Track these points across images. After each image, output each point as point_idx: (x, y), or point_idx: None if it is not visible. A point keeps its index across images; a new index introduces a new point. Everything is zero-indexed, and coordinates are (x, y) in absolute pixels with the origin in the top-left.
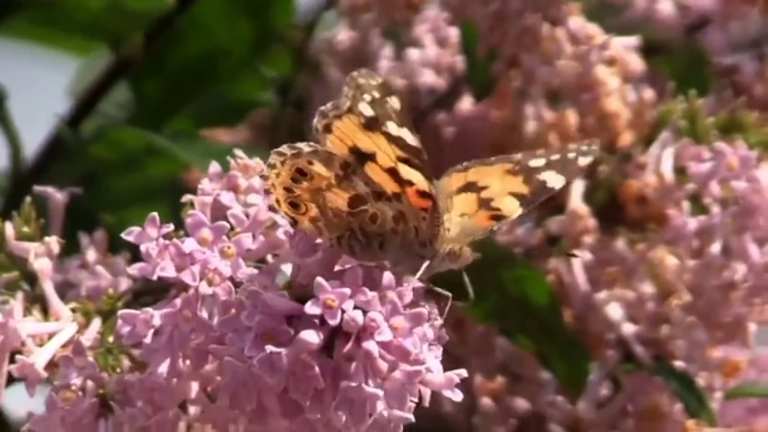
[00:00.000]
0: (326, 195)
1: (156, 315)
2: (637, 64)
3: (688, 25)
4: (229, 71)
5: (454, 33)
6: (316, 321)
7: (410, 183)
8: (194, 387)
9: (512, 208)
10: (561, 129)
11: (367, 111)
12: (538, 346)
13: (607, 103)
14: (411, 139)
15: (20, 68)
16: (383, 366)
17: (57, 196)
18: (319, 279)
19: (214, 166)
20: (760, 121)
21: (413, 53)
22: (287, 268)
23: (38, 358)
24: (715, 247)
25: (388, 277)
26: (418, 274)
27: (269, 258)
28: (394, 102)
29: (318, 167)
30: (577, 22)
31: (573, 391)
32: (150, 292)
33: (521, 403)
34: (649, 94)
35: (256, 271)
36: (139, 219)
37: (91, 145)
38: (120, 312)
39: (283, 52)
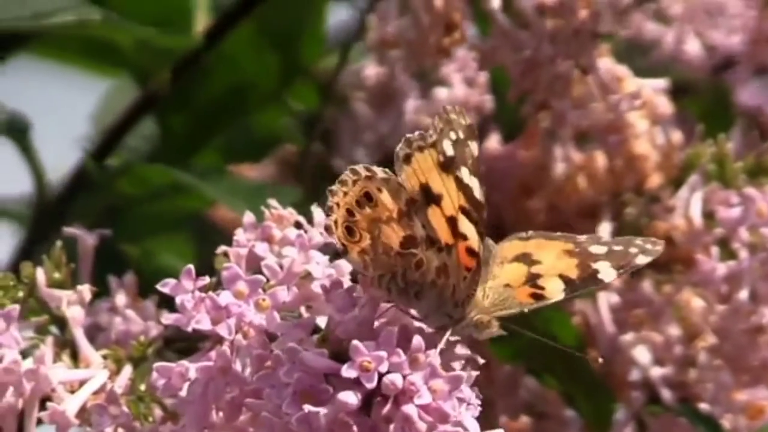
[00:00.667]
0: (383, 228)
1: (191, 368)
2: (665, 106)
3: (715, 65)
4: (256, 105)
5: (482, 73)
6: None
7: (464, 237)
8: None
9: (555, 292)
10: (589, 171)
11: (449, 150)
12: (564, 386)
13: (636, 145)
14: (478, 191)
15: (46, 89)
16: (422, 428)
17: (87, 239)
18: (355, 342)
19: (249, 217)
20: None
21: (441, 92)
22: (321, 320)
23: (69, 406)
24: (744, 293)
25: (421, 338)
26: (446, 336)
27: (302, 309)
28: (474, 148)
29: (385, 196)
30: (606, 63)
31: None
32: (181, 338)
33: None
34: (677, 136)
35: (291, 324)
36: (163, 253)
37: (117, 180)
38: (155, 365)
39: (310, 86)
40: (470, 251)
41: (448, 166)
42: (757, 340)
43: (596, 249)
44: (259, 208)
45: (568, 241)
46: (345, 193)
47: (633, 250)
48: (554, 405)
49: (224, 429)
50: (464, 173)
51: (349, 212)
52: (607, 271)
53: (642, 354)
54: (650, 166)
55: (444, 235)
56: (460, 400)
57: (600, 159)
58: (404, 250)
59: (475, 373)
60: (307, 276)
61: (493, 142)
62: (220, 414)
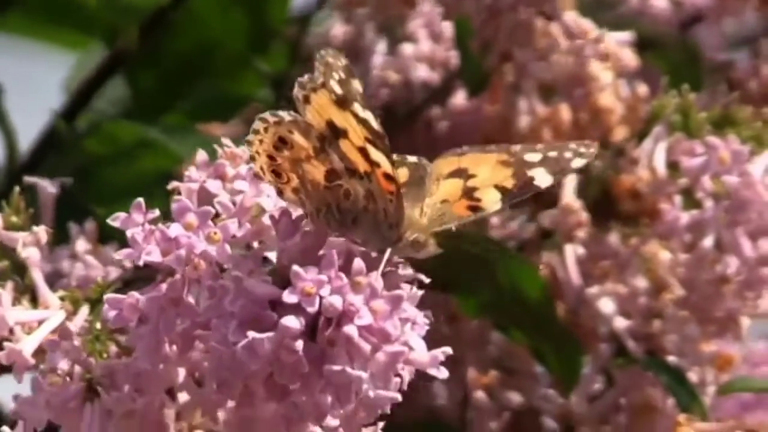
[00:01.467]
0: (305, 166)
1: (142, 299)
2: (630, 59)
3: (682, 20)
4: (225, 65)
5: (448, 28)
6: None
7: (378, 165)
8: (181, 372)
9: (492, 202)
10: (554, 124)
11: (337, 89)
12: (531, 340)
13: (601, 98)
14: (375, 123)
15: (16, 63)
16: (366, 348)
17: (47, 187)
18: (296, 267)
19: (201, 155)
20: (753, 116)
21: (407, 48)
22: (273, 255)
23: (26, 345)
24: (708, 242)
25: (363, 259)
26: (385, 257)
27: (255, 245)
28: (357, 85)
29: (297, 137)
30: (570, 16)
31: (566, 385)
32: (140, 280)
33: (515, 397)
34: (642, 89)
35: (241, 256)
36: None
37: (86, 139)
38: (106, 296)
39: (278, 47)
40: (387, 176)
41: (341, 103)
42: (722, 289)
43: (531, 157)
44: None
45: (502, 152)
46: (261, 141)
47: (568, 154)
48: (522, 360)
49: (178, 363)
50: (358, 108)
51: (270, 158)
52: (543, 177)
53: (607, 306)
54: (615, 118)
55: (360, 164)
56: (404, 320)
57: (565, 112)
58: (330, 183)
59: (418, 293)
60: (260, 213)
61: (459, 97)
62: (173, 347)
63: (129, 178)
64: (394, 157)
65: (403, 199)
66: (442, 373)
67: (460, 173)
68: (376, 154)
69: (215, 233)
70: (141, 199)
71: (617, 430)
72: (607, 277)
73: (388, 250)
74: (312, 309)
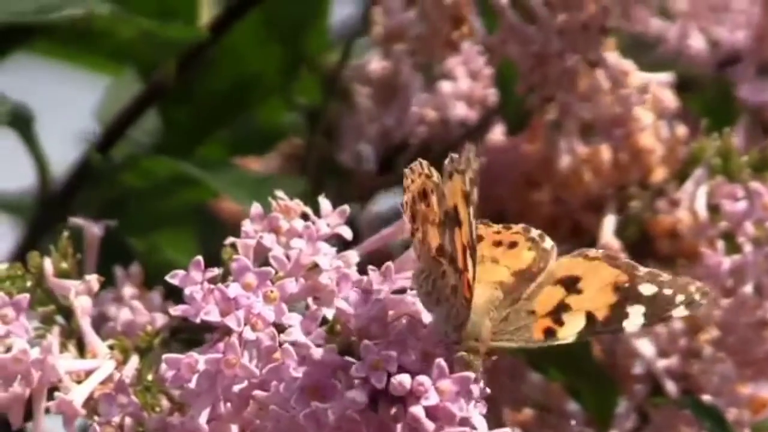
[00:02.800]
0: (429, 229)
1: (200, 360)
2: (670, 100)
3: (719, 61)
4: (260, 98)
5: (487, 65)
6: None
7: (467, 270)
8: (234, 430)
9: (570, 333)
10: (594, 164)
11: (468, 186)
12: (567, 378)
13: (641, 138)
14: (475, 234)
15: (47, 87)
16: (430, 429)
17: (93, 228)
18: (366, 342)
19: (256, 208)
20: None
21: (446, 85)
22: (328, 312)
23: (77, 395)
24: (748, 287)
25: (435, 334)
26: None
27: (310, 301)
28: (476, 194)
29: (434, 199)
30: (614, 60)
31: (601, 424)
32: (187, 329)
33: None
34: (682, 130)
35: (299, 316)
36: (168, 245)
37: (121, 173)
38: (165, 356)
39: (313, 80)
40: (469, 285)
41: (467, 198)
42: (761, 333)
43: (645, 289)
44: (263, 200)
45: (625, 273)
46: (412, 181)
47: (680, 298)
48: (556, 398)
49: (231, 420)
50: (472, 212)
51: (413, 200)
52: (635, 320)
53: (646, 346)
54: (655, 159)
55: (460, 259)
56: (469, 399)
57: (605, 152)
58: (437, 256)
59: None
60: (314, 267)
61: (497, 134)
62: (228, 405)
63: (164, 211)
64: (532, 232)
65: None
66: None
67: (569, 283)
68: (470, 262)
69: (272, 292)
70: (200, 258)
71: None
72: None
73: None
74: (380, 385)
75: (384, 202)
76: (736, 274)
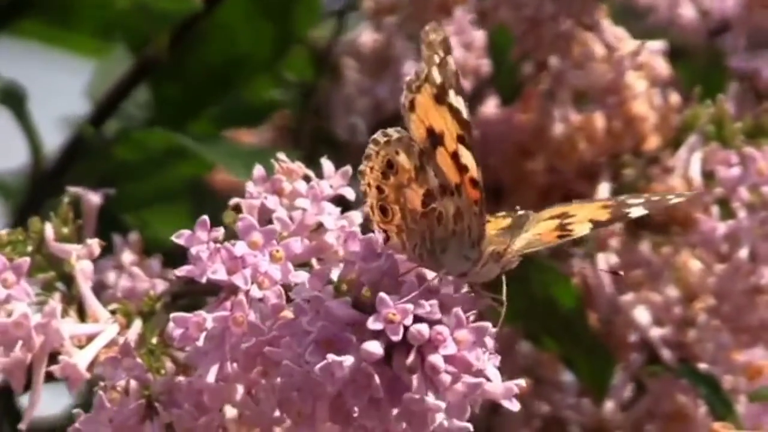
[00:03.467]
0: (407, 193)
1: (208, 318)
2: (663, 68)
3: (710, 29)
4: (250, 74)
5: (479, 35)
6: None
7: (466, 169)
8: (239, 390)
9: (582, 230)
10: (588, 132)
11: (437, 76)
12: (563, 348)
13: (635, 106)
14: (464, 110)
15: (31, 69)
16: (447, 379)
17: (92, 197)
18: (382, 294)
19: (259, 170)
20: None
21: None
22: (335, 273)
23: (81, 359)
24: (743, 252)
25: (446, 287)
26: (465, 280)
27: (313, 261)
28: (452, 62)
29: (402, 158)
30: (608, 27)
31: (597, 394)
32: (188, 294)
33: (544, 406)
34: (675, 98)
35: (306, 275)
36: (161, 220)
37: (115, 146)
38: (173, 315)
39: (304, 55)
40: (473, 182)
41: (440, 96)
42: (755, 300)
43: (633, 200)
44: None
45: (608, 201)
46: (371, 168)
47: (669, 197)
48: (550, 369)
49: (238, 380)
50: (452, 97)
51: (379, 189)
52: (638, 210)
53: (641, 315)
54: (648, 127)
55: (452, 175)
56: (484, 349)
57: (599, 120)
58: (426, 208)
59: (492, 327)
60: (317, 229)
61: (490, 106)
62: (234, 365)
63: (156, 185)
64: (501, 213)
65: (485, 211)
66: (515, 406)
67: (560, 215)
68: (465, 156)
69: (278, 251)
70: (206, 217)
71: None
72: (639, 285)
73: (469, 272)
74: (396, 338)
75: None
76: (731, 240)
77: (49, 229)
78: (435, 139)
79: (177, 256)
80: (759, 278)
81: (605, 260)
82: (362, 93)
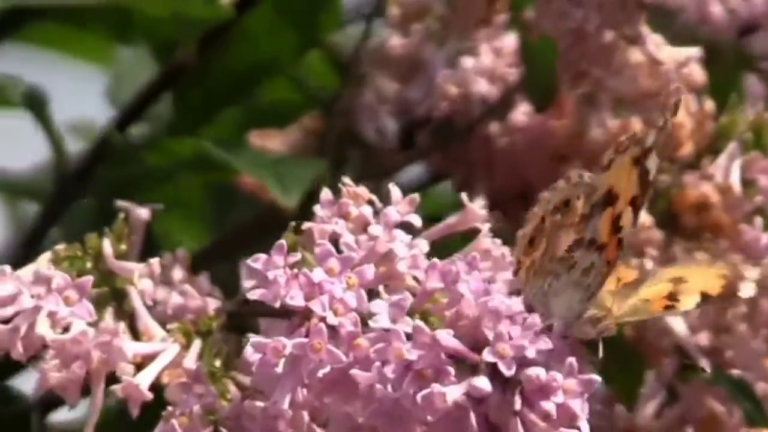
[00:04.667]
0: (561, 234)
1: (288, 344)
2: (699, 75)
3: (739, 28)
4: (272, 79)
5: (509, 42)
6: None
7: (620, 230)
8: (306, 417)
9: (689, 303)
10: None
11: (650, 140)
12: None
13: None
14: (654, 172)
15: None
16: (555, 427)
17: (140, 212)
18: (501, 327)
19: (326, 194)
20: None
21: (468, 61)
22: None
23: (143, 379)
24: None
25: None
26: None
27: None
28: (670, 124)
29: (579, 202)
30: (652, 39)
31: (628, 400)
32: (245, 314)
33: None
34: (709, 104)
35: (384, 303)
36: (180, 228)
37: (143, 152)
38: (252, 340)
39: (326, 62)
40: (620, 242)
41: (640, 158)
42: None
43: (750, 273)
44: (282, 177)
45: (726, 267)
46: (548, 201)
47: None
48: None
49: (305, 408)
50: (651, 159)
51: (543, 220)
52: (748, 289)
53: (677, 322)
54: (685, 133)
55: (604, 233)
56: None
57: (636, 125)
58: (567, 253)
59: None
60: (387, 255)
61: (520, 113)
62: (304, 391)
63: (177, 192)
64: (633, 261)
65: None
66: None
67: (677, 280)
68: (626, 218)
69: (350, 278)
70: (283, 242)
71: None
72: None
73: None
74: (509, 373)
75: (405, 177)
76: None
77: (107, 246)
78: (610, 198)
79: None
80: None
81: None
82: (391, 97)
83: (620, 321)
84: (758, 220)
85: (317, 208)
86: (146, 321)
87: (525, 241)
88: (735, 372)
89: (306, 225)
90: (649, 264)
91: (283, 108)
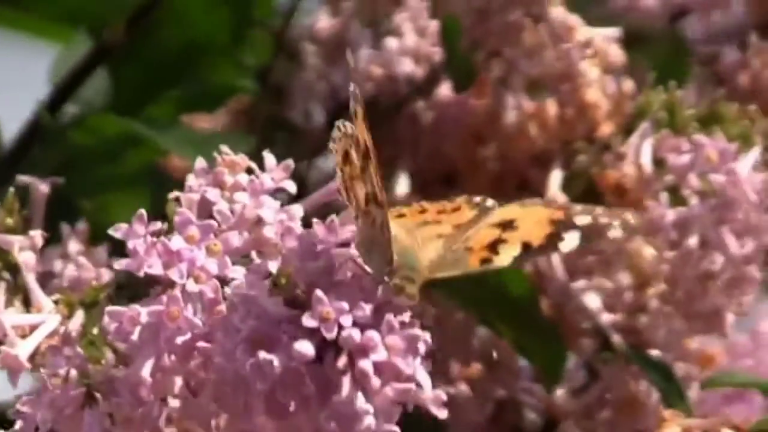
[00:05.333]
0: (356, 186)
1: (143, 312)
2: (617, 55)
3: (670, 14)
4: (209, 58)
5: (433, 22)
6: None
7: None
8: (178, 382)
9: (506, 259)
10: (541, 119)
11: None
12: (515, 334)
13: (587, 93)
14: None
15: None
16: (376, 384)
17: (40, 186)
18: (318, 292)
19: (200, 162)
20: (739, 114)
21: (392, 42)
22: (272, 265)
23: (22, 350)
24: (693, 239)
25: (383, 291)
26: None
27: (253, 254)
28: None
29: (353, 153)
30: (557, 12)
31: (549, 380)
32: (132, 284)
33: (499, 390)
34: (628, 85)
35: (243, 270)
36: (117, 206)
37: (71, 132)
38: (107, 309)
39: (262, 39)
40: (377, 199)
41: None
42: (707, 286)
43: (581, 219)
44: (211, 157)
45: (560, 210)
46: (336, 151)
47: (615, 222)
48: (505, 353)
49: (176, 373)
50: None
51: (341, 171)
52: (570, 242)
53: (593, 300)
54: (601, 114)
55: (379, 191)
56: (415, 355)
57: (551, 107)
58: (366, 207)
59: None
60: (258, 222)
61: (444, 91)
62: (172, 357)
63: (113, 171)
64: (475, 198)
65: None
66: (443, 414)
67: (505, 224)
68: (376, 181)
69: (215, 245)
70: (143, 211)
71: (601, 424)
72: (592, 272)
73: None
74: (330, 335)
75: (332, 159)
76: (681, 227)
77: None
78: (368, 151)
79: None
80: (710, 264)
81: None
82: (320, 78)
83: (434, 275)
84: (664, 196)
85: (189, 177)
86: (36, 294)
87: (343, 194)
88: (655, 352)
89: (174, 193)
90: (489, 201)
91: (223, 90)
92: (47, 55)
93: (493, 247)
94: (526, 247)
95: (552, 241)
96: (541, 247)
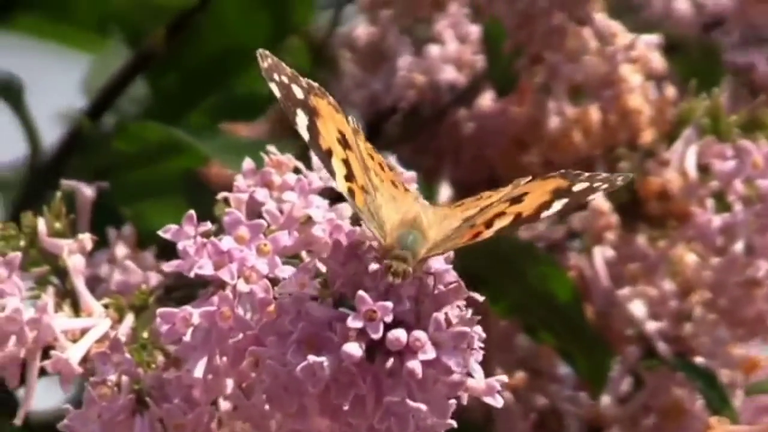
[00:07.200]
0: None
1: (195, 313)
2: (659, 62)
3: (704, 23)
4: (247, 66)
5: (474, 29)
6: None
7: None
8: (229, 383)
9: (489, 233)
10: (583, 125)
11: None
12: (560, 342)
13: (630, 99)
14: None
15: (29, 64)
16: (426, 382)
17: (86, 190)
18: (361, 293)
19: (248, 163)
20: None
21: (433, 49)
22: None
23: (73, 354)
24: (739, 246)
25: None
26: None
27: (303, 254)
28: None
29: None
30: (601, 20)
31: (594, 387)
32: (181, 287)
33: (541, 399)
34: (670, 91)
35: (292, 269)
36: (156, 213)
37: (112, 139)
38: (159, 310)
39: (300, 47)
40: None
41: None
42: (752, 293)
43: (578, 186)
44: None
45: (567, 179)
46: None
47: (602, 186)
48: (548, 361)
49: (228, 374)
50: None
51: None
52: (553, 209)
53: (638, 308)
54: (644, 120)
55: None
56: (465, 350)
57: (594, 113)
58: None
59: (475, 318)
60: (308, 221)
61: (486, 98)
62: (224, 359)
63: (152, 178)
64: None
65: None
66: (498, 402)
67: (516, 198)
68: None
69: (265, 245)
70: (192, 212)
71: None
72: (636, 279)
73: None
74: (376, 335)
75: None
76: (727, 233)
77: (41, 224)
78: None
79: (174, 248)
80: (755, 271)
81: (601, 253)
82: (358, 86)
83: (430, 254)
84: (710, 203)
85: (238, 178)
86: (85, 298)
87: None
88: (699, 359)
89: (222, 194)
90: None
91: (261, 98)
92: (68, 61)
93: (491, 222)
94: (517, 217)
95: (540, 210)
96: (529, 217)
